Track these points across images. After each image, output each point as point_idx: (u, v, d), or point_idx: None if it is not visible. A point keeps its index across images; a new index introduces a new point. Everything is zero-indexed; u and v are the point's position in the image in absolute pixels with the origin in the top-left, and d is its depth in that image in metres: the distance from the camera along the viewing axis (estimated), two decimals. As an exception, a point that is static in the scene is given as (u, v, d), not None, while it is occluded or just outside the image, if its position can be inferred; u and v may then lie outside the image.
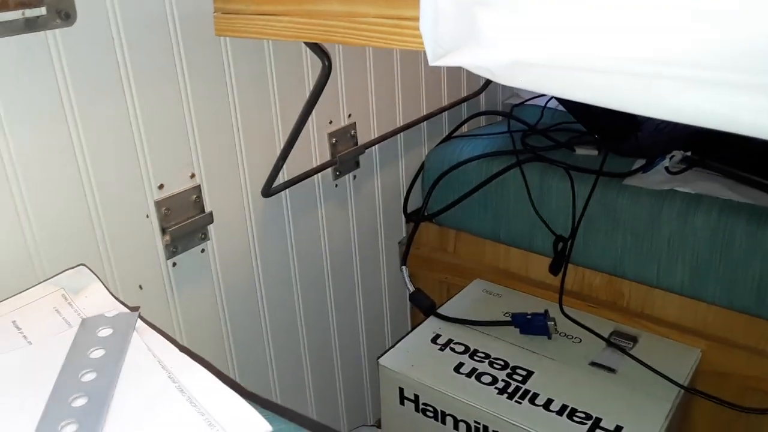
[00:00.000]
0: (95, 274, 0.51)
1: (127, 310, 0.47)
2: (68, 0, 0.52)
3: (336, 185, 0.86)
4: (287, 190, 0.78)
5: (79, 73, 0.54)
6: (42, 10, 0.50)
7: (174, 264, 0.66)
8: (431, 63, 0.37)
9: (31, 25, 0.50)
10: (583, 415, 0.71)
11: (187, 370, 0.41)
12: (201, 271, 0.70)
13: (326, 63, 0.67)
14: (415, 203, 1.03)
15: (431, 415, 0.79)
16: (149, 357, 0.42)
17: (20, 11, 0.49)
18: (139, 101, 0.59)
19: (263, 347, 0.80)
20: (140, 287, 0.64)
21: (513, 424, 0.71)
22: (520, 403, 0.73)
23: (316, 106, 0.73)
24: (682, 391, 0.74)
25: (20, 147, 0.52)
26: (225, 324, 0.74)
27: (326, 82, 0.68)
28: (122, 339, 0.43)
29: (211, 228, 0.69)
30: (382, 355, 0.82)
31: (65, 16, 0.52)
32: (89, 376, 0.40)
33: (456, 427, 0.76)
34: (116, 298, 0.48)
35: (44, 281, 0.50)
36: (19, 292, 0.49)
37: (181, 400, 0.38)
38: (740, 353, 0.77)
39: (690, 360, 0.79)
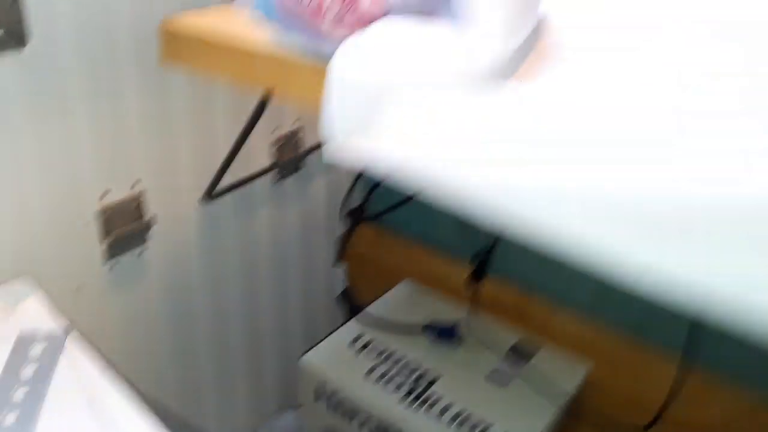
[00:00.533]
0: (36, 285, 0.56)
1: (61, 326, 0.52)
2: (21, 24, 0.56)
3: (279, 188, 0.92)
4: (229, 194, 0.83)
5: (29, 88, 0.58)
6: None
7: (111, 268, 0.71)
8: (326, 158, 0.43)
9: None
10: (474, 423, 0.79)
11: (107, 394, 0.47)
12: (138, 274, 0.75)
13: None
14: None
15: (341, 413, 0.87)
16: (74, 379, 0.48)
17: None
18: (86, 116, 0.63)
19: (197, 344, 0.87)
20: (78, 289, 0.69)
21: (409, 430, 0.79)
22: (420, 409, 0.81)
23: (265, 112, 0.77)
24: (565, 403, 0.83)
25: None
26: (160, 324, 0.80)
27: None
28: (52, 358, 0.49)
29: (151, 233, 0.74)
30: (305, 353, 0.89)
31: (18, 39, 0.56)
32: (19, 394, 0.46)
33: (361, 427, 0.85)
34: (53, 311, 0.53)
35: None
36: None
37: (95, 424, 0.44)
38: (626, 372, 0.87)
39: (578, 375, 0.88)
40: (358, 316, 0.97)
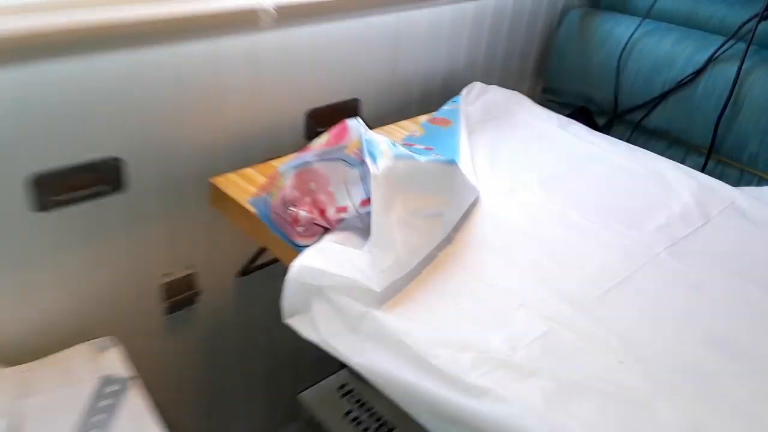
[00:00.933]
0: (118, 343, 0.88)
1: (128, 374, 0.84)
2: (121, 178, 0.87)
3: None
4: (259, 271, 1.13)
5: (126, 217, 0.90)
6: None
7: (168, 321, 1.03)
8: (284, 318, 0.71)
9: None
10: (410, 469, 1.07)
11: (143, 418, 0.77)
12: (187, 326, 1.07)
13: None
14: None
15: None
16: (129, 415, 0.79)
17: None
18: (162, 230, 0.95)
19: (224, 380, 1.18)
20: (145, 334, 1.01)
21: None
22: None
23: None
24: None
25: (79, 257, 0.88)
26: (199, 364, 1.12)
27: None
28: (119, 397, 0.80)
29: (198, 298, 1.06)
30: (304, 389, 1.19)
31: (119, 187, 0.87)
32: (95, 419, 0.77)
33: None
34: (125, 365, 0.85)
35: (84, 342, 0.87)
36: (64, 349, 0.86)
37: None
38: None
39: None
40: (347, 367, 1.25)
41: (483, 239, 0.80)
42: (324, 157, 0.77)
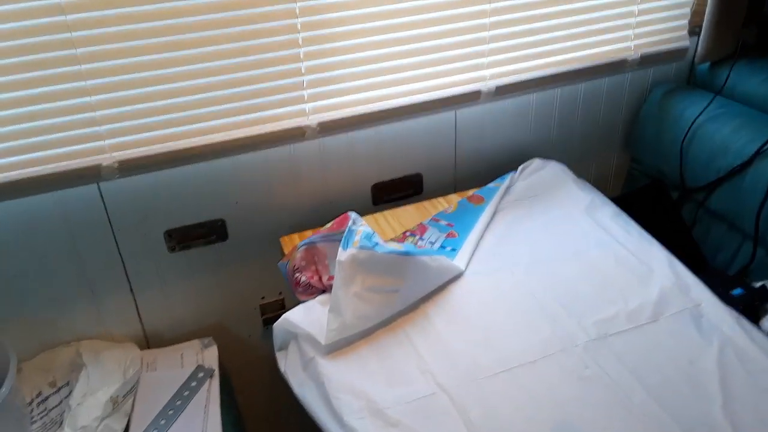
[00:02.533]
0: (214, 344, 1.29)
1: (214, 367, 1.24)
2: (224, 229, 1.27)
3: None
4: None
5: (229, 257, 1.31)
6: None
7: (264, 331, 1.43)
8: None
9: (209, 246, 1.27)
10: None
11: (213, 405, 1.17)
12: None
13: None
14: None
15: None
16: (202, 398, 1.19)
17: (205, 242, 1.26)
18: (256, 264, 1.34)
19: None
20: (249, 337, 1.42)
21: None
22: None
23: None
24: None
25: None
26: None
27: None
28: (203, 382, 1.21)
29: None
30: None
31: (224, 237, 1.28)
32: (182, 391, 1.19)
33: None
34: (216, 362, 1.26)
35: (194, 340, 1.30)
36: (182, 343, 1.30)
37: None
38: None
39: None
40: None
41: (443, 311, 1.03)
42: (326, 238, 1.08)
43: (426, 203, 1.31)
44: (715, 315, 0.98)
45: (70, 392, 1.13)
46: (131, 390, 1.17)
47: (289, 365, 0.99)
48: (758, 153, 1.18)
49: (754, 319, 1.09)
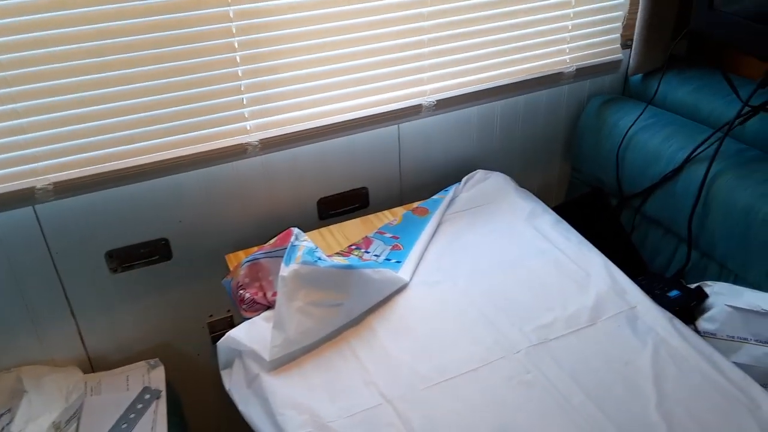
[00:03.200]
0: (161, 364, 1.27)
1: (160, 388, 1.22)
2: (170, 250, 1.26)
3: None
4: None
5: (175, 276, 1.29)
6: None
7: (213, 348, 1.41)
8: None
9: (153, 265, 1.26)
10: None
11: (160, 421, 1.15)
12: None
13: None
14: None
15: None
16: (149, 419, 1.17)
17: (149, 262, 1.25)
18: (200, 283, 1.32)
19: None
20: (198, 356, 1.40)
21: None
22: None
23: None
24: None
25: (146, 305, 1.29)
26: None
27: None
28: (149, 404, 1.19)
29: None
30: None
31: (168, 257, 1.27)
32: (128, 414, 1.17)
33: None
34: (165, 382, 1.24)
35: (140, 362, 1.28)
36: (128, 365, 1.27)
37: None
38: None
39: None
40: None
41: (387, 323, 1.04)
42: (269, 254, 1.08)
43: (372, 216, 1.33)
44: (650, 316, 1.02)
45: (12, 419, 1.10)
46: (74, 415, 1.14)
47: (233, 383, 0.99)
48: (688, 159, 1.23)
49: (691, 319, 1.13)
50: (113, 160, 1.09)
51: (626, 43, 1.46)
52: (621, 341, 0.98)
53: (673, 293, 1.18)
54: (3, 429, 1.10)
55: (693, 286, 1.17)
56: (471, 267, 1.15)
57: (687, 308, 1.14)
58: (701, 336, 1.03)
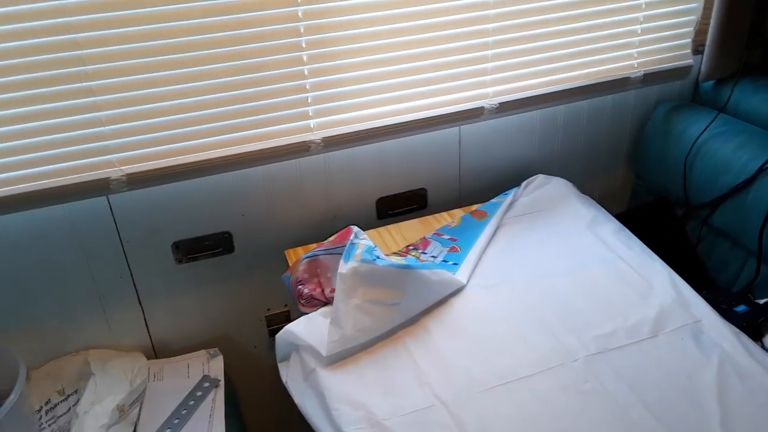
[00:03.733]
0: (220, 354, 1.31)
1: (219, 377, 1.26)
2: (233, 244, 1.29)
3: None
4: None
5: (236, 269, 1.32)
6: (220, 253, 1.29)
7: (270, 341, 1.44)
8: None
9: (215, 258, 1.29)
10: None
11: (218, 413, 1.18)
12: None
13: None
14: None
15: None
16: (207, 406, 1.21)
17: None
18: (260, 275, 1.36)
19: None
20: (255, 348, 1.44)
21: None
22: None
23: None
24: None
25: (207, 296, 1.33)
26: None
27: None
28: (208, 392, 1.23)
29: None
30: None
31: (231, 250, 1.30)
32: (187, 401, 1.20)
33: None
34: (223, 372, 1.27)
35: (203, 350, 1.32)
36: (189, 353, 1.31)
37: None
38: None
39: None
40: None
41: (442, 324, 1.04)
42: (329, 251, 1.10)
43: (430, 218, 1.33)
44: (716, 331, 0.99)
45: (78, 400, 1.15)
46: (138, 399, 1.19)
47: (290, 376, 1.01)
48: (761, 170, 1.18)
49: (758, 335, 1.09)
50: (183, 154, 1.12)
51: (698, 49, 1.41)
52: (684, 355, 0.95)
53: (740, 308, 1.14)
54: (69, 410, 1.16)
55: (762, 301, 1.13)
56: (529, 272, 1.14)
57: (754, 324, 1.10)
58: (769, 353, 0.99)
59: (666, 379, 0.92)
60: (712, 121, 1.32)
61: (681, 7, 1.35)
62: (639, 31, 1.34)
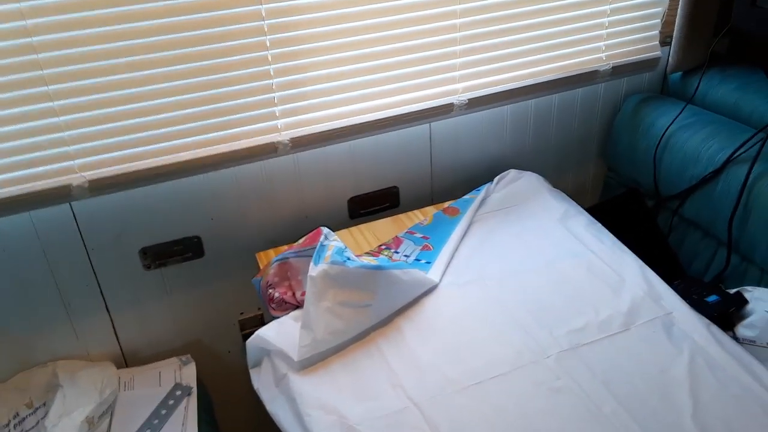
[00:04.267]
0: (192, 361, 1.29)
1: (191, 385, 1.24)
2: (201, 246, 1.27)
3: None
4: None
5: (206, 273, 1.30)
6: (190, 257, 1.27)
7: (243, 343, 1.42)
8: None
9: (185, 263, 1.27)
10: None
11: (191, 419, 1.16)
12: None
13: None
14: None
15: None
16: (180, 414, 1.18)
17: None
18: (232, 280, 1.33)
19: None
20: (229, 353, 1.41)
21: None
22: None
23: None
24: None
25: (178, 302, 1.31)
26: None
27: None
28: (180, 399, 1.21)
29: (269, 330, 1.43)
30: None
31: (200, 254, 1.28)
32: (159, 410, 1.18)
33: None
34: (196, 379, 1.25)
35: (172, 358, 1.30)
36: (159, 361, 1.29)
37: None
38: None
39: None
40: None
41: (415, 324, 1.03)
42: (299, 253, 1.08)
43: (402, 216, 1.32)
44: (687, 323, 0.99)
45: (47, 413, 1.13)
46: (108, 410, 1.16)
47: (262, 382, 0.99)
48: (729, 160, 1.19)
49: (729, 325, 1.10)
50: (147, 158, 1.10)
51: (665, 41, 1.42)
52: (656, 348, 0.95)
53: (712, 298, 1.15)
54: (38, 423, 1.13)
55: (732, 291, 1.14)
56: (501, 268, 1.13)
57: (725, 314, 1.11)
58: (740, 343, 0.99)
59: (638, 373, 0.92)
60: (681, 112, 1.33)
61: (648, -1, 1.35)
62: (606, 24, 1.34)
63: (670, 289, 1.05)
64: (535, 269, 1.12)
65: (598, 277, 1.09)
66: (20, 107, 0.99)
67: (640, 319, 1.00)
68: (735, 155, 1.18)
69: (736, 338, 1.07)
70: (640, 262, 1.12)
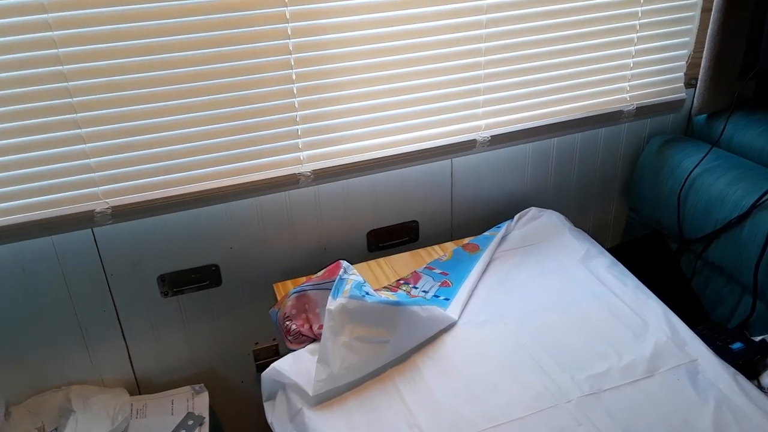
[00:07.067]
0: (206, 390, 1.28)
1: (204, 414, 1.22)
2: (218, 275, 1.27)
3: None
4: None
5: (226, 302, 1.30)
6: (208, 286, 1.26)
7: (258, 374, 1.41)
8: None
9: (203, 291, 1.27)
10: None
11: (197, 456, 1.15)
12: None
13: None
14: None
15: None
16: (191, 444, 1.17)
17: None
18: (245, 310, 1.33)
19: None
20: (242, 383, 1.40)
21: None
22: None
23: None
24: None
25: (194, 330, 1.30)
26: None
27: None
28: (193, 428, 1.19)
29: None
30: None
31: (218, 283, 1.27)
32: (172, 443, 1.17)
33: None
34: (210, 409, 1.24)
35: (187, 386, 1.29)
36: (172, 389, 1.28)
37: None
38: None
39: None
40: None
41: (433, 362, 1.02)
42: (317, 286, 1.07)
43: (421, 251, 1.31)
44: (712, 371, 0.96)
45: (58, 439, 1.12)
46: (119, 437, 1.15)
47: (276, 416, 0.98)
48: (755, 206, 1.17)
49: (754, 374, 1.07)
50: (169, 187, 1.11)
51: (690, 82, 1.41)
52: (680, 396, 0.93)
53: (736, 345, 1.12)
54: (50, 448, 1.12)
55: (757, 338, 1.11)
56: (521, 308, 1.12)
57: (750, 362, 1.08)
58: (765, 393, 0.97)
59: (661, 421, 0.89)
60: (706, 155, 1.31)
61: (673, 41, 1.35)
62: (631, 65, 1.34)
63: (695, 335, 1.03)
64: (556, 310, 1.11)
65: (620, 321, 1.07)
66: (48, 133, 1.00)
67: (664, 366, 0.98)
68: (762, 201, 1.17)
69: (761, 387, 1.04)
70: (664, 305, 1.09)
